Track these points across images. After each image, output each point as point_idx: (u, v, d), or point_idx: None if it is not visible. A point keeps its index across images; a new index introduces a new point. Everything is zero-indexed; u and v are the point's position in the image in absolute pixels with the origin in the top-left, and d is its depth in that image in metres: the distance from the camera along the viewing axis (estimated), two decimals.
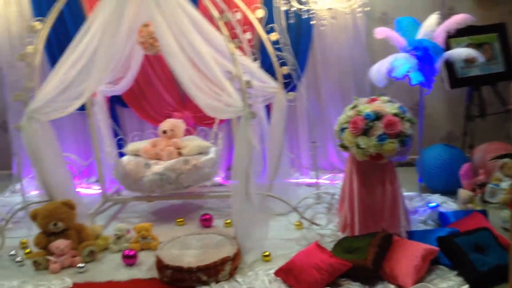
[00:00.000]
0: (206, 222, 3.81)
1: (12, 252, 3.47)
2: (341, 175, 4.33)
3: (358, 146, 3.15)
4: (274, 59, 3.83)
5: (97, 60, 3.35)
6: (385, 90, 4.25)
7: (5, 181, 5.09)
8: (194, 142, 4.10)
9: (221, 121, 4.42)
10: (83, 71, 3.39)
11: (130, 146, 4.18)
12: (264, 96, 3.87)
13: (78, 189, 4.51)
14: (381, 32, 3.68)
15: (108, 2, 3.32)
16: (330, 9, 3.51)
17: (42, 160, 3.46)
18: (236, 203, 3.30)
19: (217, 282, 2.97)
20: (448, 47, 3.94)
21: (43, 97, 3.38)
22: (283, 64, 3.81)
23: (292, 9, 3.61)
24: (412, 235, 3.23)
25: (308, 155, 4.79)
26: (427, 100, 4.60)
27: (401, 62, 3.57)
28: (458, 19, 3.61)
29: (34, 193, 4.65)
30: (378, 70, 3.68)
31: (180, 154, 4.00)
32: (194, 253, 3.14)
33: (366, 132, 3.12)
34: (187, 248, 3.22)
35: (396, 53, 3.75)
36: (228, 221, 3.80)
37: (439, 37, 3.64)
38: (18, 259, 3.40)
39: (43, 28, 3.42)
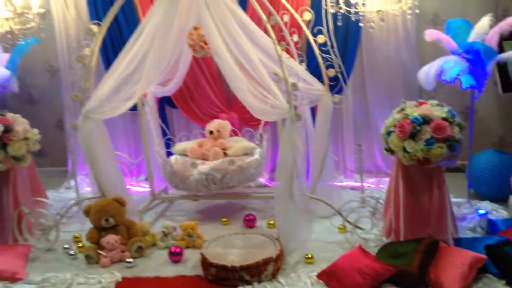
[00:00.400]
0: (250, 222, 3.86)
1: (66, 246, 3.63)
2: (387, 179, 4.28)
3: (404, 150, 3.11)
4: (320, 62, 3.83)
5: (148, 62, 3.47)
6: (434, 93, 4.18)
7: (61, 178, 5.34)
8: (239, 143, 4.17)
9: (267, 122, 4.46)
10: (135, 73, 3.52)
11: (178, 146, 4.29)
12: (309, 98, 3.87)
13: (128, 187, 4.67)
14: (431, 34, 3.62)
15: (160, 6, 3.44)
16: (379, 11, 3.47)
17: (96, 158, 3.61)
18: (279, 204, 3.33)
19: (260, 282, 3.01)
20: (501, 50, 3.81)
21: (98, 98, 3.53)
22: (329, 66, 3.81)
23: (340, 11, 3.60)
24: (460, 242, 3.15)
25: (353, 158, 4.76)
26: (479, 104, 4.47)
27: (451, 65, 3.50)
28: None
29: (87, 190, 4.87)
30: (427, 72, 3.62)
31: (225, 154, 4.07)
32: (237, 253, 3.19)
33: (413, 136, 3.08)
34: (231, 247, 3.28)
35: (446, 55, 3.69)
36: (271, 222, 3.83)
37: (492, 40, 3.53)
38: (71, 252, 3.55)
39: (100, 31, 3.57)
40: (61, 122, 5.43)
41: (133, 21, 4.61)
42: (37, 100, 5.43)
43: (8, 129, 3.66)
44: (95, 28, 3.62)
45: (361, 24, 3.90)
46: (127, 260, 3.37)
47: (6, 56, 4.56)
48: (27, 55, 4.68)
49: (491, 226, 3.41)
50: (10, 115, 3.78)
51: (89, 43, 3.69)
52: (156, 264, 3.38)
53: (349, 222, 3.48)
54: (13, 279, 3.23)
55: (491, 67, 3.56)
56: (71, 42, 4.91)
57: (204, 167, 3.89)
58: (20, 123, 3.78)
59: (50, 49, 5.10)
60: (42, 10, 4.21)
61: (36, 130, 3.87)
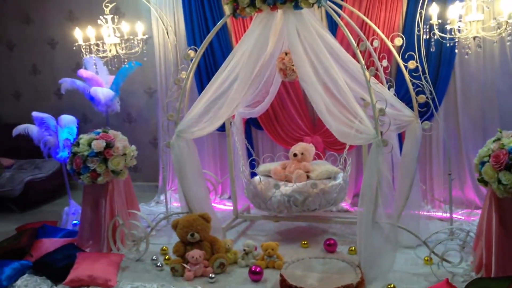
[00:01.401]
0: (330, 247, 3.83)
1: (154, 257, 3.84)
2: (478, 212, 4.06)
3: (499, 182, 2.96)
4: (410, 87, 3.75)
5: (236, 86, 3.63)
6: None
7: (152, 192, 5.65)
8: (323, 166, 4.17)
9: (351, 147, 4.43)
10: (224, 95, 3.70)
11: (262, 167, 4.39)
12: (397, 124, 3.80)
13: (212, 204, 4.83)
14: None
15: (253, 33, 3.59)
16: (476, 37, 3.35)
17: (185, 175, 3.82)
18: (362, 230, 3.29)
19: None
20: None
21: (190, 118, 3.75)
22: (420, 92, 3.72)
23: (434, 37, 3.52)
24: None
25: (441, 187, 4.55)
26: None
27: None
28: None
29: (175, 205, 5.11)
30: None
31: (308, 177, 4.09)
32: (317, 276, 3.18)
33: (509, 167, 2.92)
34: (310, 270, 3.28)
35: None
36: (352, 248, 3.77)
37: None
38: (158, 264, 3.75)
39: (196, 56, 3.80)
40: (155, 140, 5.76)
41: (227, 47, 4.84)
42: (135, 118, 5.83)
43: (109, 145, 3.98)
44: (192, 53, 3.85)
45: (456, 51, 3.77)
46: (210, 275, 3.48)
47: (111, 78, 4.98)
48: (129, 77, 5.08)
49: None
50: (112, 132, 4.11)
51: (185, 67, 3.94)
52: (236, 282, 3.46)
53: (436, 254, 3.33)
54: (106, 285, 3.47)
55: None
56: (169, 66, 5.22)
57: (286, 188, 3.94)
58: (121, 140, 4.09)
59: (150, 72, 5.48)
60: (145, 37, 4.56)
61: (134, 147, 4.17)
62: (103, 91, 4.80)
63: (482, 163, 3.09)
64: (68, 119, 4.62)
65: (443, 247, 3.36)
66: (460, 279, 3.19)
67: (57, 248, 3.93)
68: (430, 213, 4.49)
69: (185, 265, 3.56)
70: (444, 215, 4.32)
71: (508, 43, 3.54)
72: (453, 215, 4.10)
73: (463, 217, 4.36)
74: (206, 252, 3.63)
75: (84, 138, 4.04)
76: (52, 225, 4.57)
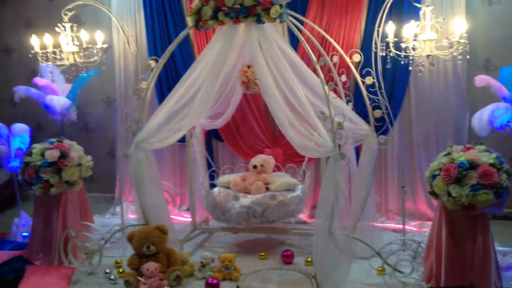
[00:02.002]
0: (288, 258, 3.85)
1: (107, 270, 3.75)
2: (429, 223, 4.19)
3: (449, 195, 3.07)
4: (367, 102, 3.87)
5: (198, 97, 3.63)
6: (484, 139, 4.10)
7: (108, 204, 5.53)
8: (282, 178, 4.21)
9: (310, 159, 4.49)
10: (185, 107, 3.68)
11: (222, 178, 4.38)
12: (355, 138, 3.89)
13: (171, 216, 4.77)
14: (481, 80, 3.60)
15: (215, 45, 3.60)
16: (429, 55, 3.50)
17: (143, 186, 3.75)
18: (318, 242, 3.33)
19: None
20: None
21: (149, 129, 3.70)
22: (376, 107, 3.84)
23: (390, 54, 3.66)
24: None
25: (395, 199, 4.69)
26: None
27: (502, 112, 3.46)
28: None
29: (131, 216, 5.02)
30: (479, 119, 3.61)
31: (268, 189, 4.11)
32: None
33: (459, 180, 3.04)
34: (267, 282, 3.30)
35: (496, 101, 3.65)
36: (309, 259, 3.81)
37: None
38: (112, 277, 3.66)
39: (157, 66, 3.77)
40: (113, 150, 5.65)
41: (189, 58, 4.83)
42: (92, 128, 5.72)
43: (64, 155, 3.88)
44: (152, 63, 3.83)
45: (410, 68, 3.92)
46: None
47: (68, 87, 4.87)
48: (87, 86, 4.98)
49: None
50: (66, 142, 4.02)
51: (146, 77, 3.91)
52: None
53: (388, 264, 3.41)
54: None
55: None
56: (129, 76, 5.16)
57: (246, 200, 3.95)
58: (76, 150, 4.00)
59: (108, 81, 5.39)
60: (105, 46, 4.50)
61: (89, 157, 4.08)
62: (58, 100, 4.68)
63: (434, 176, 3.20)
64: (20, 128, 4.48)
65: (395, 258, 3.45)
66: None
67: (5, 261, 3.78)
68: (384, 225, 4.60)
69: (139, 278, 3.48)
70: (398, 226, 4.44)
71: (459, 62, 3.72)
72: (406, 227, 4.23)
73: (415, 229, 4.50)
74: (162, 265, 3.57)
75: (37, 147, 3.93)
76: (1, 237, 4.40)
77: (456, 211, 3.11)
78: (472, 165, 3.04)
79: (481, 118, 3.56)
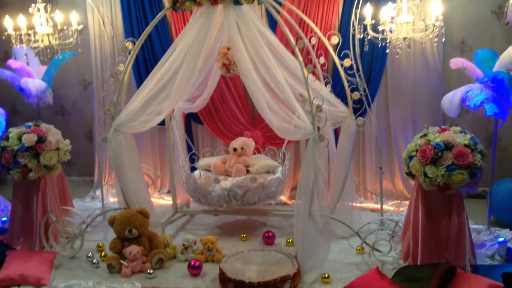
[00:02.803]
0: (269, 239, 3.91)
1: (89, 254, 3.74)
2: (406, 202, 4.29)
3: (425, 175, 3.15)
4: (345, 84, 3.90)
5: (178, 79, 3.60)
6: (459, 119, 4.20)
7: (87, 187, 5.50)
8: (262, 161, 4.24)
9: (290, 141, 4.53)
10: (164, 89, 3.64)
11: (202, 161, 4.39)
12: (333, 120, 3.94)
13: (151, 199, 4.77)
14: (456, 62, 3.67)
15: (193, 27, 3.57)
16: (405, 38, 3.54)
17: (123, 170, 3.73)
18: (298, 223, 3.38)
19: None
20: None
21: (128, 112, 3.66)
22: (354, 89, 3.88)
23: (368, 37, 3.68)
24: (477, 269, 3.15)
25: (373, 180, 4.79)
26: (503, 131, 4.47)
27: (476, 93, 3.54)
28: None
29: (111, 200, 5.01)
30: (451, 100, 3.68)
31: (248, 171, 4.14)
32: (255, 269, 3.25)
33: (434, 161, 3.12)
34: (249, 263, 3.33)
35: (472, 82, 3.72)
36: (290, 240, 3.88)
37: None
38: (94, 261, 3.65)
39: (134, 48, 3.72)
40: (90, 133, 5.60)
41: (166, 40, 4.79)
42: (68, 111, 5.63)
43: (41, 139, 3.83)
44: (130, 45, 3.77)
45: (387, 51, 3.96)
46: (148, 271, 3.45)
47: (43, 69, 4.77)
48: (62, 68, 4.89)
49: (510, 254, 3.39)
50: (44, 126, 3.95)
51: (123, 59, 3.85)
52: (176, 277, 3.46)
53: (367, 244, 3.50)
54: (38, 284, 3.34)
55: None
56: (106, 57, 5.09)
57: (226, 183, 3.97)
58: (53, 134, 3.94)
59: (84, 63, 5.31)
60: (80, 27, 4.40)
61: (67, 141, 4.03)
62: (34, 83, 4.60)
63: (410, 158, 3.27)
64: None
65: (374, 237, 3.53)
66: (389, 267, 3.37)
67: None
68: (362, 204, 4.70)
69: (122, 261, 3.50)
70: (376, 206, 4.54)
71: (435, 44, 3.77)
72: (384, 206, 4.33)
73: (393, 208, 4.61)
74: (145, 248, 3.59)
75: (14, 131, 3.86)
76: None
77: (432, 191, 3.20)
78: (448, 146, 3.12)
79: (453, 99, 3.65)
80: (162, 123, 4.32)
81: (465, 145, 3.11)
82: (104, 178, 5.26)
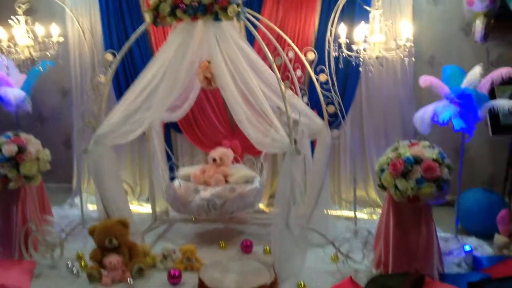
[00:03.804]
0: (247, 248, 4.00)
1: (69, 264, 3.76)
2: (380, 210, 4.45)
3: (396, 188, 3.29)
4: (321, 98, 4.04)
5: (159, 92, 3.67)
6: (430, 132, 4.38)
7: (65, 194, 5.49)
8: (240, 171, 4.33)
9: None
10: (146, 101, 3.71)
11: (181, 171, 4.46)
12: (309, 132, 4.06)
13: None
14: (425, 80, 3.85)
15: (174, 41, 3.65)
16: (378, 56, 3.71)
17: (103, 180, 3.78)
18: (276, 232, 3.49)
19: None
20: (493, 94, 4.05)
21: (109, 124, 3.71)
22: (329, 103, 4.02)
23: (342, 55, 3.84)
24: (445, 278, 3.32)
25: (348, 189, 4.93)
26: (470, 143, 4.62)
27: (443, 109, 3.71)
28: (504, 72, 3.72)
29: (90, 208, 5.03)
30: (422, 117, 3.85)
31: (227, 181, 4.24)
32: (233, 278, 3.35)
33: (405, 174, 3.26)
34: (227, 272, 3.44)
35: (441, 98, 3.90)
36: (267, 248, 3.97)
37: (484, 87, 3.76)
38: (74, 271, 3.68)
39: (115, 61, 3.78)
40: (68, 140, 5.60)
41: (146, 52, 4.86)
42: (46, 118, 5.63)
43: (21, 150, 3.85)
44: (110, 57, 3.82)
45: (360, 69, 4.11)
46: (128, 280, 3.50)
47: (22, 77, 4.78)
48: (41, 75, 4.89)
49: (476, 263, 3.57)
50: (23, 136, 3.97)
51: (102, 70, 3.90)
52: (155, 286, 3.52)
53: (341, 252, 3.63)
54: None
55: (482, 112, 3.76)
56: (85, 66, 5.13)
57: (205, 193, 4.05)
58: (33, 144, 3.97)
59: (63, 71, 5.29)
60: (61, 39, 4.44)
61: (47, 151, 4.05)
62: (13, 92, 4.59)
63: (382, 170, 3.42)
64: None
65: (349, 245, 3.66)
66: (362, 275, 3.49)
67: None
68: (337, 213, 4.84)
69: (102, 271, 3.55)
70: (350, 214, 4.68)
71: (406, 59, 3.96)
72: (358, 214, 4.47)
73: (367, 216, 4.77)
74: (125, 258, 3.63)
75: None
76: None
77: (402, 202, 3.35)
78: (417, 160, 3.27)
79: (424, 116, 3.82)
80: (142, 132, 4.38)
81: (433, 159, 3.27)
82: (82, 186, 5.27)
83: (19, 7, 4.30)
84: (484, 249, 3.94)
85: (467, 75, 3.84)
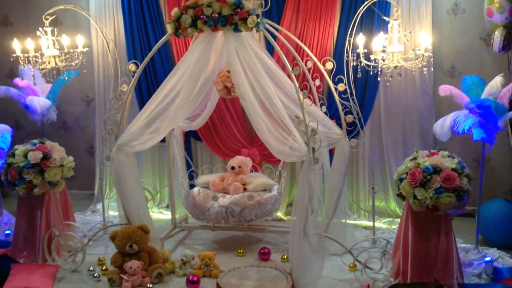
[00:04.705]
0: (265, 255, 4.04)
1: (91, 268, 3.87)
2: (398, 220, 4.42)
3: (415, 197, 3.29)
4: (339, 108, 4.07)
5: (178, 101, 3.75)
6: (450, 141, 4.35)
7: (87, 201, 5.62)
8: (259, 179, 4.38)
9: None
10: (165, 110, 3.79)
11: (201, 179, 4.53)
12: (328, 141, 4.09)
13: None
14: (445, 89, 3.85)
15: (194, 51, 3.73)
16: (396, 66, 3.73)
17: (124, 187, 3.87)
18: (294, 240, 3.51)
19: None
20: None
21: (131, 132, 3.81)
22: (348, 112, 4.04)
23: (361, 65, 3.87)
24: None
25: (366, 199, 4.92)
26: (491, 153, 4.63)
27: (463, 119, 3.70)
28: None
29: (112, 214, 5.13)
30: (442, 125, 3.85)
31: (245, 189, 4.28)
32: (251, 285, 3.39)
33: (423, 184, 3.26)
34: (245, 279, 3.47)
35: (461, 108, 3.89)
36: (285, 256, 4.00)
37: (504, 98, 3.73)
38: (95, 274, 3.78)
39: (137, 71, 3.88)
40: (91, 148, 5.73)
41: (168, 62, 4.97)
42: (71, 126, 5.77)
43: (46, 157, 3.96)
44: (133, 67, 3.93)
45: (379, 79, 4.12)
46: (147, 285, 3.58)
47: (48, 87, 4.93)
48: (66, 85, 5.03)
49: (496, 274, 3.54)
50: (48, 143, 4.09)
51: (126, 80, 4.01)
52: None
53: (359, 261, 3.63)
54: None
55: (502, 122, 3.74)
56: (108, 75, 5.27)
57: (224, 200, 4.10)
58: (58, 151, 4.09)
59: (87, 80, 5.46)
60: (86, 49, 4.57)
61: (71, 158, 4.17)
62: (39, 101, 4.75)
63: (401, 180, 3.42)
64: (1, 128, 4.53)
65: (366, 255, 3.66)
66: (380, 285, 3.50)
67: None
68: (355, 222, 4.84)
69: (122, 275, 3.62)
70: (369, 223, 4.68)
71: (425, 70, 3.97)
72: (376, 224, 4.46)
73: (385, 226, 4.75)
74: (144, 263, 3.71)
75: (20, 149, 4.00)
76: None
77: (421, 212, 3.34)
78: (436, 170, 3.26)
79: (443, 124, 3.82)
80: (163, 140, 4.46)
81: (453, 169, 3.26)
82: (104, 192, 5.38)
83: (47, 19, 4.44)
84: (505, 260, 3.89)
85: (487, 85, 3.83)
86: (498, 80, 3.78)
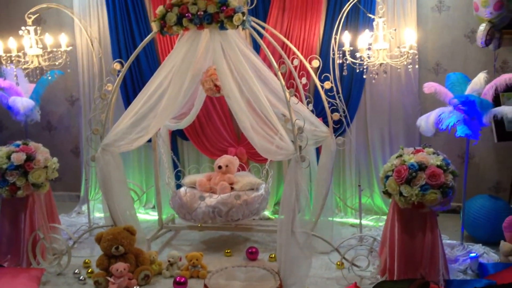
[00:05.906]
0: (252, 255, 4.03)
1: (76, 271, 3.82)
2: (385, 217, 4.45)
3: (401, 194, 3.31)
4: (326, 105, 4.07)
5: (165, 100, 3.72)
6: (435, 137, 4.39)
7: (73, 202, 5.55)
8: (246, 178, 4.36)
9: None
10: (152, 109, 3.76)
11: (187, 179, 4.49)
12: (314, 139, 4.09)
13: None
14: (429, 87, 3.86)
15: (180, 49, 3.70)
16: (382, 63, 3.74)
17: (110, 188, 3.83)
18: (281, 239, 3.51)
19: None
20: (498, 101, 4.06)
21: (116, 132, 3.76)
22: (334, 110, 4.05)
23: (347, 62, 3.87)
24: (450, 284, 3.32)
25: (353, 196, 4.92)
26: (476, 149, 4.68)
27: (447, 116, 3.73)
28: (507, 78, 3.72)
29: (97, 215, 5.08)
30: (426, 121, 3.86)
31: (232, 189, 4.27)
32: (239, 285, 3.37)
33: (409, 181, 3.28)
34: (233, 279, 3.45)
35: (445, 105, 3.92)
36: (272, 255, 4.00)
37: (488, 94, 3.76)
38: (81, 277, 3.73)
39: (122, 70, 3.84)
40: (76, 149, 5.66)
41: (153, 61, 4.92)
42: (55, 127, 5.69)
43: (30, 158, 3.91)
44: (118, 66, 3.89)
45: (364, 76, 4.14)
46: (134, 287, 3.54)
47: (31, 87, 4.86)
48: (50, 85, 4.97)
49: (481, 269, 3.57)
50: (32, 144, 4.03)
51: (111, 79, 3.97)
52: None
53: (346, 259, 3.64)
54: None
55: (486, 118, 3.77)
56: (93, 74, 5.20)
57: (211, 200, 4.08)
58: (42, 152, 4.03)
59: (71, 80, 5.39)
60: (69, 48, 4.51)
61: (55, 159, 4.11)
62: (22, 101, 4.68)
63: (386, 177, 3.44)
64: None
65: (353, 252, 3.68)
66: (367, 282, 3.52)
67: None
68: (342, 220, 4.85)
69: (109, 278, 3.58)
70: (355, 221, 4.69)
71: (410, 67, 3.98)
72: (363, 221, 4.47)
73: (372, 223, 4.77)
74: (131, 265, 3.67)
75: (3, 150, 3.93)
76: None
77: (407, 209, 3.36)
78: (421, 167, 3.29)
79: (428, 120, 3.84)
80: (149, 140, 4.42)
81: (438, 166, 3.29)
82: (90, 193, 5.32)
83: (29, 17, 4.38)
84: (490, 256, 3.93)
85: (471, 81, 3.86)
86: (481, 76, 3.81)
